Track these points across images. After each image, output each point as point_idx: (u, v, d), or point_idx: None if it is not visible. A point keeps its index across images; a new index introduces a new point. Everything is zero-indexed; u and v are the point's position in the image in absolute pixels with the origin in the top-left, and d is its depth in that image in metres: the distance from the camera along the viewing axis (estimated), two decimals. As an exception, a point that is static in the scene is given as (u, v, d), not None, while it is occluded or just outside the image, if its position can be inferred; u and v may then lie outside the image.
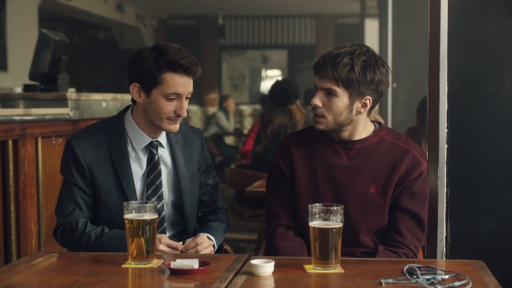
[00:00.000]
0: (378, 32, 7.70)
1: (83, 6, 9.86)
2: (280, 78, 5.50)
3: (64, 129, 3.76)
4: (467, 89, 2.21)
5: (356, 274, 1.74)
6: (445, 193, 2.22)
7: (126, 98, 4.58)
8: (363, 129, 2.18)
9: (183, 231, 2.35)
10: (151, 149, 2.25)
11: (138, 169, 2.24)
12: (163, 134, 2.29)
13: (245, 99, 13.29)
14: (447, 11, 2.19)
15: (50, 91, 3.99)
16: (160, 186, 2.25)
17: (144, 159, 2.24)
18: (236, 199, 4.60)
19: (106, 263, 1.87)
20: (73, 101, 3.87)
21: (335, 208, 1.78)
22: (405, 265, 1.77)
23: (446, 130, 2.22)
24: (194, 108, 12.66)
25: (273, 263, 1.74)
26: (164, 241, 2.10)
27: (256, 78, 13.82)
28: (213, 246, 2.25)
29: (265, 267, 1.72)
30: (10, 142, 3.30)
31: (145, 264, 1.84)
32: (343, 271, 1.76)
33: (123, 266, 1.83)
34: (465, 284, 1.63)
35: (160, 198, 2.25)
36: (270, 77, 13.90)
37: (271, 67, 13.84)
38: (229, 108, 10.09)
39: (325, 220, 1.78)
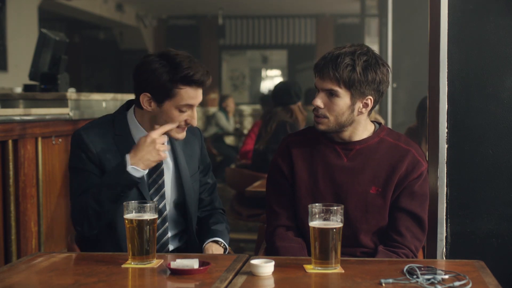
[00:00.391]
0: (378, 32, 7.71)
1: (83, 6, 9.86)
2: (283, 79, 5.55)
3: (64, 129, 3.76)
4: (467, 89, 2.21)
5: (356, 274, 1.74)
6: (445, 193, 2.22)
7: (126, 98, 4.57)
8: (364, 129, 2.18)
9: (185, 230, 2.35)
10: None
11: None
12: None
13: (245, 99, 13.29)
14: (447, 11, 2.19)
15: (50, 91, 3.99)
16: (162, 185, 2.25)
17: None
18: (236, 199, 4.61)
19: (106, 263, 1.87)
20: (73, 101, 3.88)
21: (335, 208, 1.78)
22: (405, 265, 1.77)
23: (446, 130, 2.22)
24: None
25: (273, 263, 1.74)
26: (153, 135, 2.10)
27: (256, 78, 13.83)
28: (225, 248, 2.27)
29: (265, 267, 1.72)
30: (10, 142, 3.30)
31: (145, 264, 1.84)
32: (343, 271, 1.76)
33: (123, 266, 1.83)
34: (465, 284, 1.63)
35: (163, 197, 2.25)
36: (270, 77, 13.90)
37: (271, 67, 13.84)
38: (229, 108, 10.08)
39: (325, 220, 1.78)
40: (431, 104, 2.26)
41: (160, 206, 2.24)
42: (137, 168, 2.08)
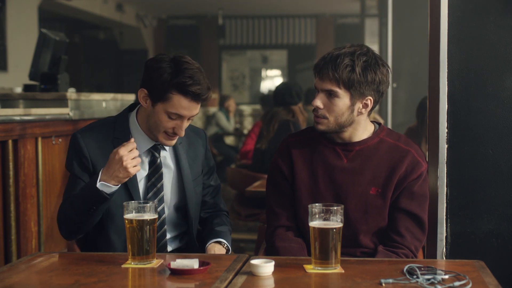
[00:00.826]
0: (378, 32, 7.71)
1: (83, 6, 9.86)
2: (283, 79, 5.56)
3: (64, 129, 3.76)
4: (467, 89, 2.21)
5: (356, 274, 1.74)
6: (445, 193, 2.22)
7: (126, 98, 4.59)
8: (364, 129, 2.18)
9: (185, 232, 2.34)
10: (153, 152, 2.24)
11: (140, 172, 2.23)
12: None
13: (245, 99, 13.29)
14: (447, 11, 2.19)
15: (50, 91, 3.99)
16: (161, 189, 2.25)
17: (146, 161, 2.24)
18: (237, 199, 4.61)
19: (106, 263, 1.87)
20: (73, 101, 3.88)
21: (335, 208, 1.78)
22: (405, 265, 1.77)
23: (446, 130, 2.22)
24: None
25: (273, 263, 1.74)
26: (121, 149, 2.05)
27: (256, 78, 13.82)
28: (228, 249, 2.27)
29: (265, 267, 1.72)
30: (10, 142, 3.30)
31: (145, 264, 1.84)
32: (343, 271, 1.76)
33: (123, 266, 1.83)
34: (465, 284, 1.63)
35: (161, 201, 2.25)
36: (270, 77, 13.90)
37: (271, 67, 13.84)
38: (230, 108, 10.10)
39: (325, 220, 1.78)
40: (431, 104, 2.26)
41: (159, 209, 2.23)
42: (107, 184, 2.05)
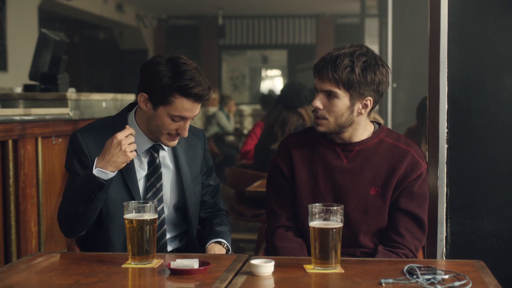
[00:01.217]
0: (378, 32, 7.71)
1: (83, 6, 9.86)
2: (283, 80, 5.55)
3: (64, 129, 3.76)
4: (467, 89, 2.21)
5: (356, 274, 1.74)
6: (445, 193, 2.22)
7: (126, 98, 4.59)
8: (364, 130, 2.18)
9: (185, 232, 2.34)
10: (152, 152, 2.24)
11: (139, 172, 2.23)
12: None
13: (245, 99, 13.29)
14: (447, 11, 2.19)
15: (50, 91, 3.99)
16: (160, 189, 2.25)
17: (145, 161, 2.24)
18: (237, 199, 4.61)
19: (106, 263, 1.87)
20: (73, 101, 3.88)
21: (335, 208, 1.78)
22: (405, 265, 1.77)
23: (446, 130, 2.22)
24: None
25: (273, 263, 1.74)
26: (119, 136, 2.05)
27: (256, 78, 13.83)
28: (228, 249, 2.27)
29: (265, 267, 1.72)
30: (10, 142, 3.30)
31: (145, 264, 1.84)
32: (343, 271, 1.76)
33: (123, 266, 1.83)
34: (465, 284, 1.63)
35: (161, 201, 2.25)
36: (270, 77, 13.90)
37: (271, 67, 13.84)
38: (231, 109, 10.12)
39: (325, 220, 1.78)
40: (431, 104, 2.26)
41: (158, 209, 2.23)
42: (104, 170, 2.04)
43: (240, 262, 1.87)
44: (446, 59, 2.20)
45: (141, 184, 2.23)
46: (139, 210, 1.86)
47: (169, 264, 1.76)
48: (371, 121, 2.24)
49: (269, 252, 2.21)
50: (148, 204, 1.87)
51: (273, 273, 1.74)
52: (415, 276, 1.67)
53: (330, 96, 2.10)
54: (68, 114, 3.79)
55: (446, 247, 2.23)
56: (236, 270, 1.78)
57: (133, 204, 1.87)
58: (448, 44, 2.20)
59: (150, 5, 12.15)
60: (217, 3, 11.65)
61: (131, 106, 2.29)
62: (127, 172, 2.18)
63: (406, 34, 5.90)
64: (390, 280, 1.65)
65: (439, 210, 2.22)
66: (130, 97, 4.62)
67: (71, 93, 3.96)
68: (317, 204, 1.80)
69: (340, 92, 2.09)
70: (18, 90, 4.44)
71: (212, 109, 11.70)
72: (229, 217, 2.48)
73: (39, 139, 3.54)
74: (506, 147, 2.21)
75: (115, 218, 2.18)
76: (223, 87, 13.33)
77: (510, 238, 2.22)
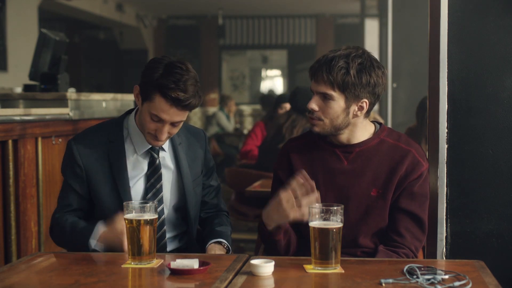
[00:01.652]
0: (378, 32, 7.70)
1: (83, 6, 9.86)
2: (283, 80, 5.55)
3: (64, 129, 3.76)
4: (467, 89, 2.21)
5: (356, 274, 1.74)
6: (445, 193, 2.22)
7: (126, 98, 4.59)
8: (363, 131, 2.18)
9: (185, 232, 2.34)
10: (152, 153, 2.24)
11: (139, 172, 2.23)
12: None
13: (245, 99, 13.28)
14: (447, 11, 2.19)
15: (50, 91, 3.99)
16: (160, 189, 2.25)
17: (145, 162, 2.24)
18: (237, 199, 4.61)
19: (106, 263, 1.87)
20: (73, 101, 3.87)
21: (335, 208, 1.78)
22: (405, 265, 1.77)
23: (446, 130, 2.22)
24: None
25: (273, 263, 1.74)
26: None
27: (256, 78, 13.82)
28: (228, 250, 2.27)
29: (265, 267, 1.72)
30: (10, 142, 3.30)
31: (145, 264, 1.84)
32: (343, 271, 1.76)
33: (123, 266, 1.83)
34: (465, 284, 1.63)
35: (161, 201, 2.25)
36: (270, 77, 13.90)
37: (271, 67, 13.83)
38: (231, 109, 10.12)
39: (325, 220, 1.78)
40: (431, 104, 2.26)
41: (158, 210, 2.23)
42: (101, 245, 2.12)
43: (240, 262, 1.87)
44: (446, 59, 2.20)
45: (141, 185, 2.23)
46: (139, 210, 1.86)
47: (169, 264, 1.76)
48: (372, 121, 2.24)
49: (267, 251, 2.22)
50: (148, 204, 1.87)
51: (273, 273, 1.74)
52: (415, 276, 1.67)
53: (326, 98, 2.10)
54: (68, 114, 3.79)
55: (446, 247, 2.23)
56: (236, 270, 1.78)
57: (133, 204, 1.87)
58: (448, 44, 2.20)
59: (150, 5, 12.15)
60: (217, 3, 11.64)
61: (131, 111, 2.31)
62: (118, 177, 2.18)
63: (406, 34, 5.89)
64: (390, 280, 1.65)
65: (439, 210, 2.22)
66: (130, 97, 4.62)
67: (71, 93, 3.96)
68: (317, 204, 1.80)
69: (335, 94, 2.08)
70: (18, 90, 4.43)
71: (212, 109, 11.70)
72: (229, 218, 2.48)
73: (39, 139, 3.53)
74: (506, 147, 2.21)
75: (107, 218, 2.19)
76: (223, 87, 13.33)
77: (510, 238, 2.22)
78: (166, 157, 2.28)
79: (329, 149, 2.18)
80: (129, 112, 2.30)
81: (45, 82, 4.03)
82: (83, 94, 4.06)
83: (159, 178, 2.24)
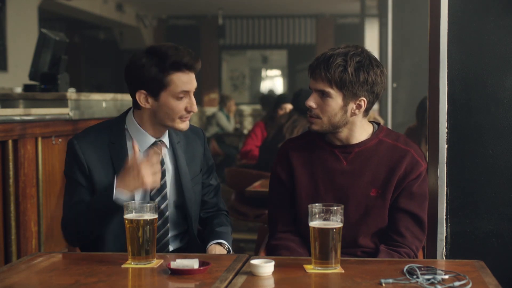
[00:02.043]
0: (378, 32, 7.71)
1: (83, 6, 9.86)
2: (283, 80, 5.55)
3: (64, 129, 3.76)
4: (467, 89, 2.21)
5: (356, 274, 1.74)
6: (445, 193, 2.22)
7: (126, 98, 4.58)
8: (362, 130, 2.18)
9: (186, 231, 2.34)
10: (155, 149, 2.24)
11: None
12: (166, 134, 2.29)
13: (245, 99, 13.29)
14: (447, 11, 2.19)
15: (50, 91, 3.99)
16: (164, 186, 2.25)
17: None
18: (237, 199, 4.61)
19: (106, 263, 1.87)
20: (73, 101, 3.87)
21: (335, 208, 1.78)
22: (405, 265, 1.77)
23: (446, 130, 2.22)
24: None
25: (273, 263, 1.74)
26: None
27: (256, 78, 13.82)
28: (228, 250, 2.27)
29: (265, 267, 1.72)
30: (10, 142, 3.29)
31: (145, 264, 1.84)
32: (343, 271, 1.76)
33: (123, 266, 1.83)
34: (465, 284, 1.63)
35: (164, 198, 2.25)
36: (270, 77, 13.90)
37: (271, 67, 13.84)
38: (231, 109, 10.12)
39: (325, 220, 1.78)
40: (431, 104, 2.26)
41: (162, 207, 2.23)
42: (122, 194, 2.06)
43: (240, 262, 1.87)
44: (446, 59, 2.20)
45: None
46: (139, 210, 1.86)
47: (169, 264, 1.76)
48: (371, 121, 2.24)
49: (268, 253, 2.22)
50: (148, 204, 1.87)
51: (273, 273, 1.74)
52: (415, 276, 1.67)
53: (323, 95, 2.10)
54: (68, 114, 3.79)
55: (446, 247, 2.23)
56: (236, 270, 1.78)
57: (133, 204, 1.87)
58: (448, 44, 2.20)
59: (150, 5, 12.15)
60: (217, 3, 11.65)
61: (129, 109, 2.30)
62: (119, 172, 2.18)
63: (406, 34, 5.90)
64: (390, 280, 1.65)
65: (439, 210, 2.22)
66: (130, 97, 4.61)
67: (71, 93, 3.96)
68: (317, 204, 1.80)
69: (333, 92, 2.09)
70: (18, 90, 4.43)
71: (212, 109, 11.70)
72: (229, 217, 2.48)
73: (39, 139, 3.53)
74: (506, 147, 2.21)
75: (110, 224, 2.18)
76: (223, 87, 13.33)
77: (510, 238, 2.22)
78: (166, 155, 2.28)
79: (328, 149, 2.19)
80: (126, 113, 2.29)
81: (45, 82, 4.02)
82: (83, 94, 4.06)
83: (163, 174, 2.24)
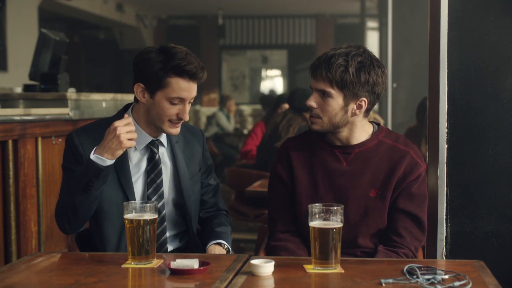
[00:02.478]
0: (378, 32, 7.71)
1: (83, 6, 9.87)
2: (283, 80, 5.57)
3: (64, 129, 3.76)
4: (467, 89, 2.21)
5: (356, 274, 1.74)
6: (445, 193, 2.22)
7: (126, 98, 4.59)
8: (361, 131, 2.17)
9: (185, 231, 2.34)
10: (151, 148, 2.25)
11: (138, 168, 2.23)
12: (164, 133, 2.29)
13: (245, 99, 13.29)
14: (447, 11, 2.19)
15: (50, 91, 3.99)
16: (161, 184, 2.25)
17: (144, 157, 2.24)
18: (238, 200, 4.61)
19: (106, 263, 1.87)
20: (73, 101, 3.88)
21: (335, 208, 1.78)
22: (405, 265, 1.77)
23: (446, 130, 2.22)
24: (196, 107, 12.67)
25: (273, 263, 1.74)
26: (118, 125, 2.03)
27: (256, 78, 13.83)
28: (228, 251, 2.27)
29: (265, 267, 1.72)
30: (10, 142, 3.30)
31: (145, 264, 1.84)
32: (343, 271, 1.76)
33: (123, 266, 1.83)
34: (465, 284, 1.63)
35: (161, 197, 2.25)
36: (270, 77, 13.90)
37: (271, 67, 13.84)
38: (231, 109, 10.12)
39: (325, 220, 1.78)
40: (431, 104, 2.26)
41: (159, 205, 2.23)
42: (101, 157, 2.04)
43: (240, 262, 1.87)
44: (446, 59, 2.20)
45: (141, 180, 2.24)
46: (139, 210, 1.86)
47: (169, 264, 1.76)
48: (371, 122, 2.24)
49: (268, 253, 2.22)
50: (148, 204, 1.87)
51: (273, 273, 1.74)
52: (415, 276, 1.67)
53: (324, 95, 2.10)
54: (68, 114, 3.79)
55: (446, 247, 2.24)
56: (236, 270, 1.78)
57: (133, 204, 1.87)
58: (448, 44, 2.20)
59: (150, 5, 12.16)
60: (217, 3, 11.65)
61: (127, 107, 2.30)
62: (120, 170, 2.18)
63: (406, 34, 5.90)
64: (390, 280, 1.65)
65: (439, 210, 2.22)
66: (130, 97, 4.61)
67: (71, 93, 3.96)
68: (317, 204, 1.80)
69: (334, 92, 2.09)
70: (18, 90, 4.43)
71: (212, 109, 11.71)
72: (229, 217, 2.48)
73: (39, 139, 3.53)
74: (506, 147, 2.21)
75: (109, 216, 2.18)
76: (223, 87, 13.34)
77: (510, 238, 2.22)
78: (164, 154, 2.28)
79: (328, 150, 2.18)
80: (125, 109, 2.30)
81: (45, 82, 4.03)
82: (83, 94, 4.06)
83: (159, 173, 2.25)
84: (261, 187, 3.89)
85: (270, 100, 7.74)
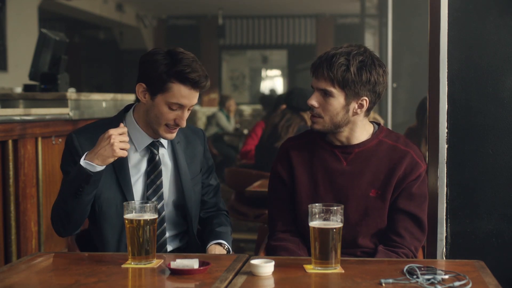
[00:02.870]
0: (378, 32, 7.71)
1: (83, 6, 9.87)
2: (283, 80, 5.60)
3: (64, 129, 3.76)
4: (467, 89, 2.21)
5: (356, 274, 1.74)
6: (445, 193, 2.22)
7: (126, 98, 4.59)
8: (362, 130, 2.18)
9: (185, 231, 2.34)
10: (152, 149, 2.25)
11: (138, 169, 2.23)
12: None
13: (245, 99, 13.30)
14: (447, 11, 2.19)
15: (50, 91, 3.99)
16: (160, 186, 2.25)
17: (144, 159, 2.25)
18: (238, 200, 4.61)
19: (106, 263, 1.87)
20: (73, 101, 3.88)
21: (335, 208, 1.78)
22: (405, 265, 1.77)
23: (446, 130, 2.22)
24: (195, 107, 12.67)
25: (273, 263, 1.74)
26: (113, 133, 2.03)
27: (256, 78, 13.84)
28: (228, 251, 2.27)
29: (265, 267, 1.72)
30: (10, 142, 3.30)
31: (145, 264, 1.84)
32: (343, 271, 1.76)
33: (123, 266, 1.83)
34: (465, 284, 1.63)
35: (161, 198, 2.25)
36: (270, 77, 13.91)
37: (271, 67, 13.85)
38: (231, 108, 10.11)
39: (325, 220, 1.78)
40: (431, 104, 2.26)
41: (158, 206, 2.23)
42: (91, 163, 2.03)
43: (240, 262, 1.87)
44: (446, 59, 2.20)
45: (141, 181, 2.24)
46: (139, 210, 1.86)
47: (169, 264, 1.76)
48: (371, 122, 2.24)
49: (268, 253, 2.22)
50: (148, 204, 1.87)
51: (273, 273, 1.74)
52: (415, 276, 1.67)
53: (326, 94, 2.10)
54: (68, 114, 3.80)
55: (446, 247, 2.23)
56: (236, 270, 1.78)
57: (133, 204, 1.87)
58: (448, 44, 2.20)
59: (150, 5, 12.16)
60: (217, 3, 11.65)
61: (128, 107, 2.30)
62: (120, 171, 2.18)
63: (406, 34, 5.90)
64: (390, 280, 1.65)
65: (439, 210, 2.22)
66: (130, 97, 4.62)
67: (71, 93, 3.96)
68: (317, 204, 1.80)
69: (335, 91, 2.09)
70: (18, 90, 4.43)
71: (212, 109, 11.71)
72: (229, 217, 2.48)
73: (39, 139, 3.54)
74: (506, 147, 2.21)
75: (108, 217, 2.18)
76: (223, 87, 13.34)
77: (510, 238, 2.22)
78: (164, 154, 2.28)
79: (328, 150, 2.18)
80: (126, 110, 2.30)
81: (45, 82, 4.03)
82: (83, 94, 4.06)
83: (159, 174, 2.25)
84: (261, 187, 3.89)
85: (270, 100, 7.74)
